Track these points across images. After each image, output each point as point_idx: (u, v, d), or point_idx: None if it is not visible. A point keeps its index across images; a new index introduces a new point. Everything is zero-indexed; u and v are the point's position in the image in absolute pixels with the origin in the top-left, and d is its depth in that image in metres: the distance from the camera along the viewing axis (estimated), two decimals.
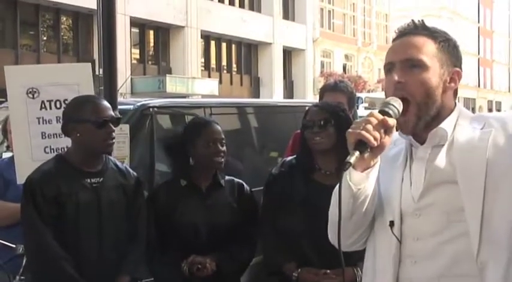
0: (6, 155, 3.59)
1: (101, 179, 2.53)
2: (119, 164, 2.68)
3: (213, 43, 23.72)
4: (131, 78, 17.92)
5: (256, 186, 2.94)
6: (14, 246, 2.80)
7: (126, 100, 5.55)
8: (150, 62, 21.15)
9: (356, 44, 32.74)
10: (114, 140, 2.54)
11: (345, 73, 29.89)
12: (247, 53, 25.49)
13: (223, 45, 24.28)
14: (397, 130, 1.56)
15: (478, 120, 1.58)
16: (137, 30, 20.27)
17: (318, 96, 3.69)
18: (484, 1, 48.24)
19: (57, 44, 17.92)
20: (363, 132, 1.45)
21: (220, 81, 22.58)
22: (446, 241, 1.51)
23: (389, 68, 1.59)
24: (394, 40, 1.63)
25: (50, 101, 3.04)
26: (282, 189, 2.64)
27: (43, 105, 3.04)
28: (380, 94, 21.93)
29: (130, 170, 2.70)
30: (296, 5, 27.97)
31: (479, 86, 46.02)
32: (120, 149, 3.13)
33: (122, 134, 3.12)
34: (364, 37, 33.58)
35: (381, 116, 1.49)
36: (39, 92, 3.04)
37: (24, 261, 2.73)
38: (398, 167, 1.61)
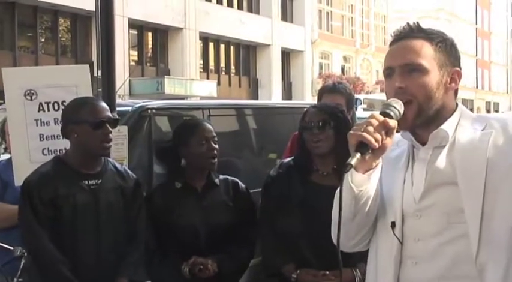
0: (4, 156, 3.59)
1: (99, 180, 2.52)
2: (118, 165, 2.68)
3: (211, 45, 23.74)
4: (129, 80, 17.91)
5: (255, 188, 2.94)
6: (11, 248, 2.79)
7: (125, 102, 5.55)
8: (148, 64, 21.15)
9: (354, 46, 32.77)
10: (111, 142, 2.54)
11: (343, 75, 29.92)
12: (246, 55, 25.51)
13: (222, 46, 24.29)
14: (397, 131, 1.56)
15: (479, 121, 1.58)
16: (135, 32, 20.27)
17: (316, 98, 3.69)
18: (482, 2, 48.32)
19: (55, 46, 17.91)
20: (364, 134, 1.46)
21: (219, 83, 22.59)
22: (447, 242, 1.51)
23: (388, 72, 1.59)
24: (391, 44, 1.63)
25: (47, 103, 3.04)
26: (280, 191, 2.64)
27: (41, 107, 3.03)
28: (378, 95, 21.94)
29: (130, 172, 2.70)
30: (294, 7, 28.01)
31: (477, 87, 46.08)
32: (119, 150, 3.13)
33: (120, 135, 3.12)
34: (362, 39, 33.61)
35: (381, 118, 1.49)
36: (37, 94, 3.04)
37: (22, 263, 2.73)
38: (400, 168, 1.61)
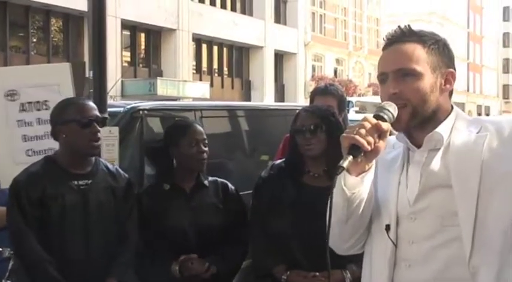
0: None
1: (90, 181, 2.52)
2: (109, 166, 2.67)
3: (204, 46, 23.71)
4: (122, 81, 17.87)
5: (246, 189, 2.93)
6: (0, 249, 2.77)
7: (116, 102, 5.53)
8: (141, 65, 21.10)
9: (347, 48, 32.85)
10: (100, 141, 2.54)
11: (336, 77, 29.97)
12: (239, 57, 25.50)
13: (215, 48, 24.27)
14: (391, 134, 1.56)
15: (474, 124, 1.57)
16: (128, 33, 20.22)
17: (308, 100, 3.69)
18: (474, 7, 48.59)
19: (47, 46, 17.82)
20: (357, 137, 1.45)
21: (212, 85, 22.57)
22: (440, 245, 1.51)
23: (382, 78, 1.59)
24: (383, 48, 1.63)
25: (30, 103, 3.00)
26: (272, 192, 2.63)
27: (22, 108, 2.99)
28: (371, 98, 21.99)
29: (122, 172, 2.69)
30: (288, 9, 28.04)
31: (468, 90, 46.33)
32: (110, 151, 3.12)
33: (111, 136, 3.11)
34: (355, 41, 33.70)
35: (374, 120, 1.48)
36: (19, 94, 3.00)
37: (10, 264, 2.71)
38: (395, 171, 1.61)
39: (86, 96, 3.15)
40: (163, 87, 18.93)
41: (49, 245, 2.41)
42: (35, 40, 17.99)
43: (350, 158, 1.45)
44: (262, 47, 25.55)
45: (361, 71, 34.28)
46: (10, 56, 16.48)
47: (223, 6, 24.40)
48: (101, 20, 3.33)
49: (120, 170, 2.72)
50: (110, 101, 3.65)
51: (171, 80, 19.85)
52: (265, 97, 24.81)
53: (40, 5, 17.15)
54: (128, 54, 20.46)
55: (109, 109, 3.34)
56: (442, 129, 1.56)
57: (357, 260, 1.90)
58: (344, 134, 1.48)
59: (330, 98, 3.35)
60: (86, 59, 3.60)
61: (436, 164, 1.54)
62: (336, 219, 1.51)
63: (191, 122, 2.87)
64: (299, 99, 26.24)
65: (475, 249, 1.46)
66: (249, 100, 23.64)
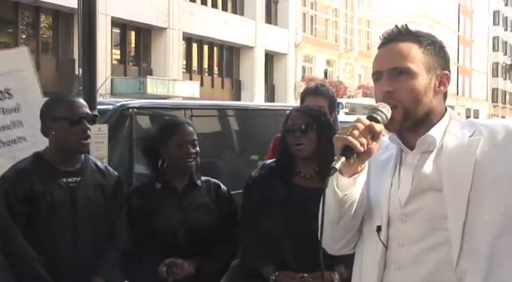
0: None
1: (79, 178, 2.50)
2: (99, 163, 2.66)
3: (195, 45, 23.67)
4: (112, 79, 17.79)
5: (236, 189, 2.92)
6: None
7: (106, 100, 5.50)
8: (131, 63, 21.02)
9: (338, 50, 32.93)
10: (89, 139, 2.52)
11: (326, 78, 30.04)
12: (229, 56, 25.49)
13: (205, 47, 24.24)
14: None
15: (468, 127, 1.56)
16: (118, 31, 20.13)
17: (299, 101, 3.69)
18: (464, 10, 48.92)
19: (36, 43, 17.70)
20: (349, 138, 1.44)
21: (202, 84, 22.52)
22: (429, 248, 1.50)
23: (377, 76, 1.58)
24: (379, 47, 1.62)
25: None
26: (262, 192, 2.63)
27: None
28: (361, 100, 22.08)
29: (111, 170, 2.68)
30: (279, 10, 28.06)
31: (457, 93, 46.63)
32: (99, 149, 3.10)
33: (100, 134, 3.09)
34: (346, 43, 33.80)
35: (367, 122, 1.48)
36: None
37: None
38: (388, 172, 1.60)
39: (75, 93, 3.12)
40: (153, 86, 18.88)
41: (37, 242, 2.39)
42: (24, 36, 17.86)
43: (343, 159, 1.44)
44: (252, 47, 25.55)
45: (351, 72, 34.38)
46: None
47: (214, 5, 24.37)
48: (91, 17, 3.31)
49: (109, 167, 2.70)
50: (99, 99, 3.63)
51: (161, 79, 19.80)
52: (255, 97, 24.82)
53: (30, 1, 17.04)
54: (118, 52, 20.37)
55: (99, 107, 3.33)
56: (435, 131, 1.55)
57: (347, 261, 1.89)
58: (337, 135, 1.47)
59: (320, 99, 3.36)
60: (76, 56, 3.57)
61: (428, 166, 1.53)
62: (327, 220, 1.51)
63: (180, 122, 2.84)
64: (289, 100, 26.28)
65: (462, 254, 1.45)
66: (239, 100, 23.63)
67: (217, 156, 4.60)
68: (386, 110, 1.51)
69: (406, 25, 1.61)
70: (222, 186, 2.84)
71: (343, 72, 33.42)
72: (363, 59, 33.69)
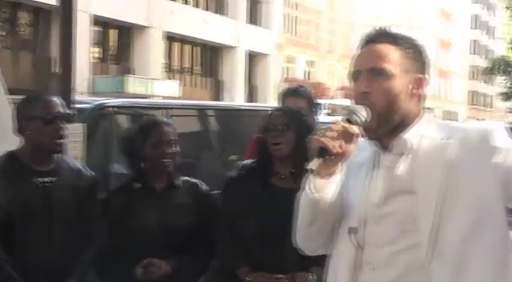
0: None
1: (54, 178, 2.47)
2: (75, 163, 2.63)
3: (176, 45, 23.56)
4: (92, 78, 17.64)
5: (215, 189, 2.91)
6: None
7: (84, 99, 5.43)
8: (111, 62, 20.85)
9: (319, 51, 33.07)
10: (64, 138, 2.49)
11: (308, 79, 30.15)
12: (211, 56, 25.44)
13: (186, 47, 24.15)
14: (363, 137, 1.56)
15: (443, 130, 1.56)
16: (99, 29, 19.96)
17: (279, 102, 3.68)
18: (443, 13, 49.48)
19: (15, 40, 17.46)
20: (325, 140, 1.45)
21: (183, 84, 22.43)
22: (400, 251, 1.51)
23: (356, 76, 1.59)
24: (360, 48, 1.62)
25: None
26: (240, 193, 2.62)
27: None
28: (341, 101, 22.16)
29: (87, 170, 2.65)
30: (262, 10, 28.08)
31: (436, 96, 47.16)
32: (75, 148, 3.06)
33: (76, 133, 3.05)
34: (327, 44, 33.96)
35: (344, 124, 1.49)
36: None
37: None
38: (364, 174, 1.60)
39: (51, 91, 3.08)
40: (132, 84, 18.76)
41: (11, 242, 2.35)
42: (4, 33, 17.60)
43: (318, 160, 1.45)
44: (234, 47, 25.53)
45: (332, 74, 34.55)
46: None
47: (196, 4, 24.29)
48: (69, 14, 3.28)
49: (86, 167, 2.68)
50: (77, 97, 3.58)
51: (141, 78, 19.67)
52: (236, 97, 24.80)
53: None
54: (99, 50, 20.20)
55: (76, 105, 3.29)
56: (410, 134, 1.56)
57: (323, 261, 1.89)
58: (313, 137, 1.48)
59: (301, 100, 3.37)
60: (55, 54, 3.53)
61: (402, 169, 1.53)
62: (302, 221, 1.51)
63: (157, 122, 2.79)
64: (270, 101, 26.30)
65: (431, 257, 1.46)
66: (220, 100, 23.60)
67: (197, 156, 4.57)
68: (364, 113, 1.51)
69: (386, 27, 1.63)
70: (203, 186, 2.82)
71: (324, 73, 33.57)
72: (344, 60, 33.81)
